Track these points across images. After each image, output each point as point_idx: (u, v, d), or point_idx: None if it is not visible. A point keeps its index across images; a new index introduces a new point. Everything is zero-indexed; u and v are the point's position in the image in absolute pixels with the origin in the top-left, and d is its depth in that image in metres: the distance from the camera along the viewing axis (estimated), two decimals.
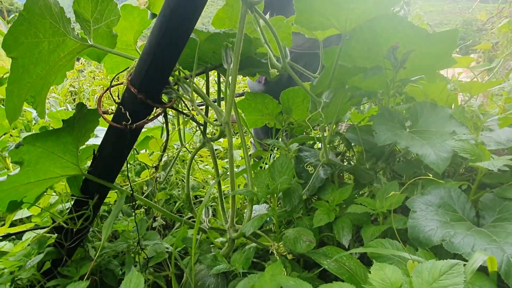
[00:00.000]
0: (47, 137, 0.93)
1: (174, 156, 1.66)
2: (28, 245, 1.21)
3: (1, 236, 1.10)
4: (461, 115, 1.17)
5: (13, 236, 1.20)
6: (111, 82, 0.96)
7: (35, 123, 2.08)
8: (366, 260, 1.10)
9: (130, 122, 0.92)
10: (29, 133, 1.91)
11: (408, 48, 1.23)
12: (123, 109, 0.92)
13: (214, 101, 1.49)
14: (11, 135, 2.42)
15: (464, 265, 0.60)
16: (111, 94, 0.94)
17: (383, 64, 1.30)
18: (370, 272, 1.02)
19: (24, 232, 1.19)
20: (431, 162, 1.00)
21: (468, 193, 1.02)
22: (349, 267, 1.02)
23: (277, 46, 1.06)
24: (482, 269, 0.71)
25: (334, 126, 1.44)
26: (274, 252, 1.01)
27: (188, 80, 0.99)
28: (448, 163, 0.99)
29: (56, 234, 1.25)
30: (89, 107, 1.03)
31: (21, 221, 1.55)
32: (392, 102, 1.48)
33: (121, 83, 0.95)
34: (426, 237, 0.83)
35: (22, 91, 0.91)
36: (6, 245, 1.23)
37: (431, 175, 0.91)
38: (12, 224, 1.46)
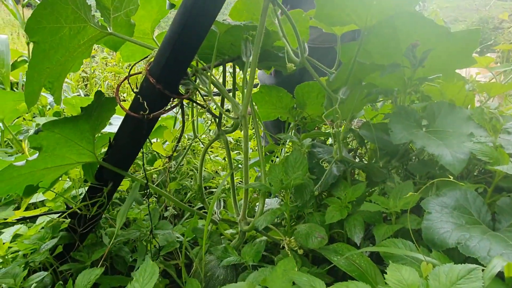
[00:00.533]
0: (65, 124, 0.93)
1: (186, 147, 1.67)
2: (42, 228, 1.23)
3: (16, 220, 1.11)
4: (479, 117, 1.15)
5: (27, 220, 1.22)
6: (129, 71, 0.96)
7: (49, 108, 2.10)
8: (375, 258, 1.11)
9: (147, 112, 0.92)
10: (44, 119, 1.93)
11: (428, 46, 1.21)
12: (141, 99, 0.92)
13: (229, 91, 1.48)
14: (24, 119, 2.45)
15: (482, 270, 0.60)
16: (129, 83, 0.94)
17: (401, 62, 1.28)
18: (380, 271, 1.03)
19: (38, 216, 1.21)
20: (447, 163, 0.99)
21: (484, 196, 1.02)
22: (360, 265, 1.02)
23: (296, 40, 1.05)
24: (497, 274, 0.70)
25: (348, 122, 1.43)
26: (286, 246, 1.02)
27: (206, 72, 0.99)
28: (465, 165, 0.98)
29: (69, 219, 1.27)
30: (107, 96, 1.03)
31: (34, 205, 1.58)
32: (408, 100, 1.46)
33: (140, 73, 0.96)
34: (441, 239, 0.82)
35: (42, 77, 0.92)
36: (21, 228, 1.26)
37: (450, 177, 0.90)
38: (26, 208, 1.49)
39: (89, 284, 0.81)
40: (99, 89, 4.33)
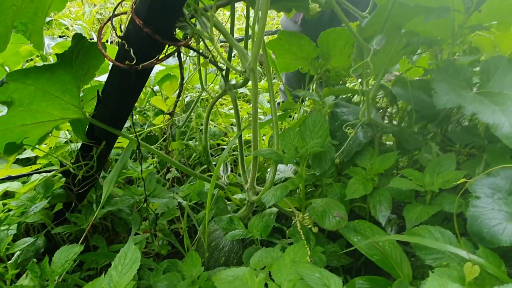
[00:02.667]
0: (39, 74, 0.78)
1: (195, 99, 1.51)
2: (35, 188, 1.13)
3: (1, 179, 1.01)
4: None
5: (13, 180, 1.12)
6: (114, 9, 0.78)
7: (50, 54, 1.95)
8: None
9: (134, 62, 0.76)
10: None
11: None
12: (126, 46, 0.75)
13: (241, 40, 1.28)
14: (35, 63, 2.31)
15: None
16: (113, 26, 0.77)
17: (452, 5, 1.04)
18: (406, 253, 0.89)
19: (28, 174, 1.11)
20: (503, 134, 0.80)
21: None
22: (383, 248, 0.88)
23: None
24: None
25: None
26: (298, 225, 0.88)
27: (207, 13, 0.80)
28: None
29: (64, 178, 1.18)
30: (92, 40, 0.86)
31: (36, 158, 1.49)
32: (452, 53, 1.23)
33: (125, 13, 0.78)
34: (491, 234, 0.66)
35: (7, 16, 0.75)
36: (14, 185, 1.17)
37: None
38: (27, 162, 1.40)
39: (67, 263, 0.71)
40: (113, 32, 4.10)
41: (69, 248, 0.74)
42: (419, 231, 0.74)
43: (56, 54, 0.78)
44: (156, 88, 1.77)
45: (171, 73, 1.68)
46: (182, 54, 0.85)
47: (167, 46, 0.82)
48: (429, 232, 0.73)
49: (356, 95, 1.59)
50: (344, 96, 1.48)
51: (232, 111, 2.03)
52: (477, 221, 0.69)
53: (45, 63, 0.91)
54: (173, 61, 1.76)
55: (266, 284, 0.69)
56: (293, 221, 0.93)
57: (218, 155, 1.72)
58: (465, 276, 0.61)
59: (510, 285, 0.46)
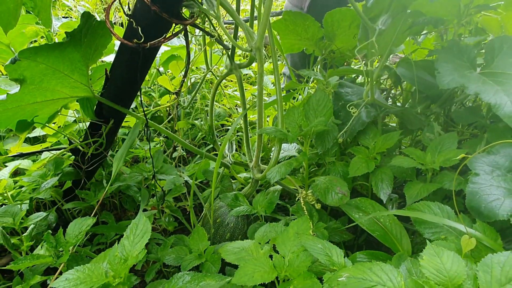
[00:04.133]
0: (50, 52, 0.80)
1: (200, 80, 1.52)
2: (45, 166, 1.16)
3: (12, 156, 1.04)
4: None
5: (24, 157, 1.15)
6: None
7: (56, 33, 1.96)
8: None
9: (142, 41, 0.77)
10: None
11: None
12: (134, 24, 0.76)
13: (246, 21, 1.28)
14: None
15: None
16: (121, 4, 0.78)
17: None
18: (406, 229, 0.92)
19: (39, 152, 1.13)
20: (505, 114, 0.81)
21: None
22: (384, 224, 0.91)
23: None
24: None
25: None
26: (301, 201, 0.91)
27: None
28: None
29: (74, 156, 1.20)
30: (99, 19, 0.87)
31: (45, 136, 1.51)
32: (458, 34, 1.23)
33: None
34: (489, 208, 0.68)
35: None
36: (24, 162, 1.20)
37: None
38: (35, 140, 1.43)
39: (80, 234, 0.74)
40: (117, 14, 4.06)
41: (82, 221, 0.77)
42: (419, 206, 0.77)
43: (66, 32, 0.79)
44: (161, 69, 1.78)
45: (176, 54, 1.69)
46: (188, 34, 0.86)
47: (173, 25, 0.84)
48: (428, 207, 0.75)
49: (360, 77, 1.60)
50: (347, 78, 1.49)
51: (236, 93, 2.04)
52: (476, 196, 0.71)
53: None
54: (178, 42, 1.77)
55: (270, 256, 0.72)
56: (297, 198, 0.96)
57: (222, 136, 1.75)
58: (462, 248, 0.63)
59: (502, 253, 0.49)
